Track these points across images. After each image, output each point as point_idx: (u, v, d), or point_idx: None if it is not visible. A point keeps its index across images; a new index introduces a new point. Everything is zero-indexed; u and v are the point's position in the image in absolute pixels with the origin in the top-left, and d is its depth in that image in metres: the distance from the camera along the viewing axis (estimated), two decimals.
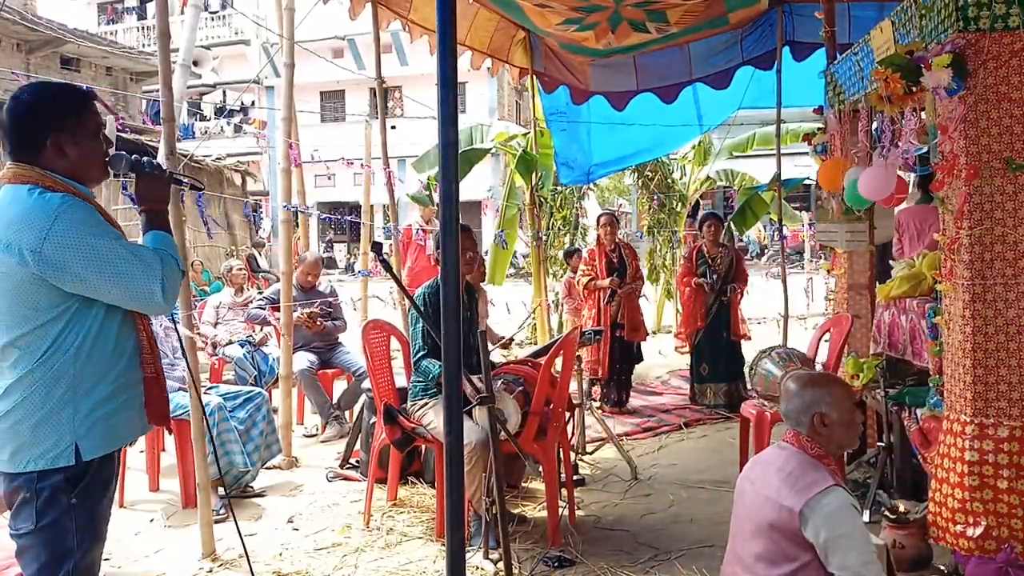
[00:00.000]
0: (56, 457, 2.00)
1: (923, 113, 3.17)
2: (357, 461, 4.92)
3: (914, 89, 2.98)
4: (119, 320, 2.11)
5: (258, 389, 4.90)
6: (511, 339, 4.76)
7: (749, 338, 7.18)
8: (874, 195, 3.58)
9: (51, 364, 2.00)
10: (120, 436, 2.14)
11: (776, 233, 6.96)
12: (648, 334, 7.23)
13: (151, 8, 23.82)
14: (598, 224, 6.81)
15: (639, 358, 6.90)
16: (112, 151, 2.24)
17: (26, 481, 2.00)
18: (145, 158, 2.27)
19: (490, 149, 9.81)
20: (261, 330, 6.24)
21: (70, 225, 1.97)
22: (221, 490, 4.38)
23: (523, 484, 4.57)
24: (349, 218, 8.89)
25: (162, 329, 4.55)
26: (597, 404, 6.41)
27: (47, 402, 2.00)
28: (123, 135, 9.77)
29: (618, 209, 18.44)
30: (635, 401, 6.69)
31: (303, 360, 5.78)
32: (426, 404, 3.94)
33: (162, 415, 2.25)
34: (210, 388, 4.63)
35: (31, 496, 1.99)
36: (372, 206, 7.99)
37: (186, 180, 2.49)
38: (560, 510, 3.93)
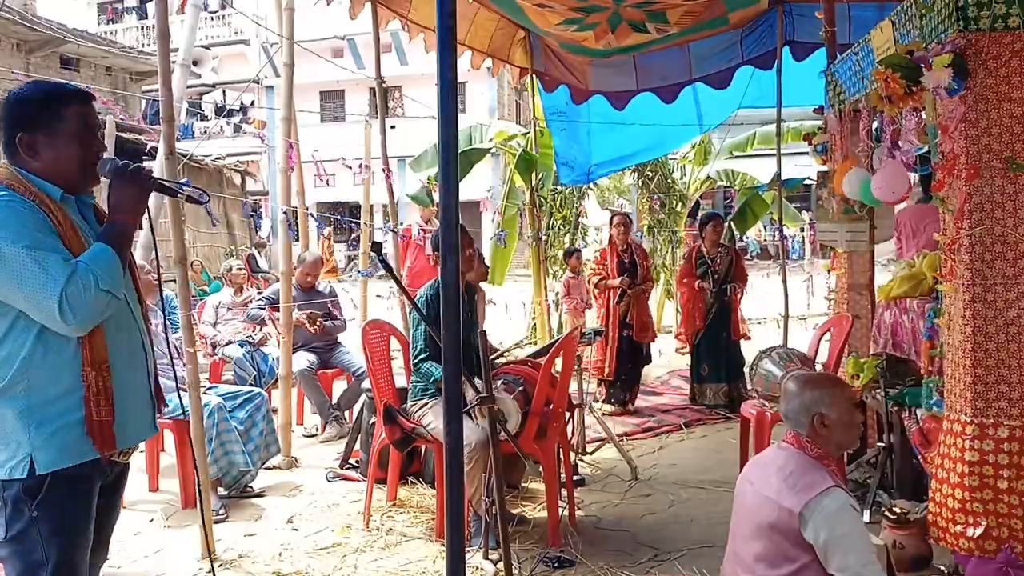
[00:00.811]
0: (12, 468, 1.93)
1: (923, 113, 3.17)
2: (357, 461, 4.92)
3: (914, 89, 2.98)
4: None
5: (258, 389, 4.90)
6: (501, 353, 4.76)
7: (749, 338, 7.18)
8: (889, 196, 3.54)
9: (2, 370, 1.92)
10: (83, 450, 1.98)
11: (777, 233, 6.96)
12: (656, 335, 7.24)
13: (151, 8, 23.82)
14: (611, 224, 6.80)
15: (648, 359, 6.90)
16: (105, 155, 2.10)
17: None
18: (133, 164, 2.08)
19: (490, 149, 9.80)
20: (260, 330, 6.24)
21: None
22: (221, 490, 4.39)
23: (523, 484, 4.57)
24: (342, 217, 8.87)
25: (160, 329, 4.55)
26: (600, 404, 6.41)
27: (3, 410, 1.93)
28: (122, 135, 9.77)
29: (619, 208, 18.43)
30: (636, 401, 6.68)
31: (302, 360, 5.78)
32: (426, 404, 3.94)
33: (104, 439, 1.99)
34: (210, 388, 4.62)
35: (1, 505, 1.95)
36: (372, 206, 7.98)
37: (183, 191, 2.27)
38: (560, 510, 3.93)
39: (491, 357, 4.53)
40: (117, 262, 1.98)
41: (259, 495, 4.55)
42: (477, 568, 3.51)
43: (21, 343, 1.92)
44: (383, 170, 5.87)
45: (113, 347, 2.03)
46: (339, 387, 6.25)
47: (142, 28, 27.53)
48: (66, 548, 1.97)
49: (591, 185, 10.27)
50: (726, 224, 8.59)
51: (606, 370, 6.48)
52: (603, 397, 6.56)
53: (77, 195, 2.09)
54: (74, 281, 1.87)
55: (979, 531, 2.82)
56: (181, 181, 2.33)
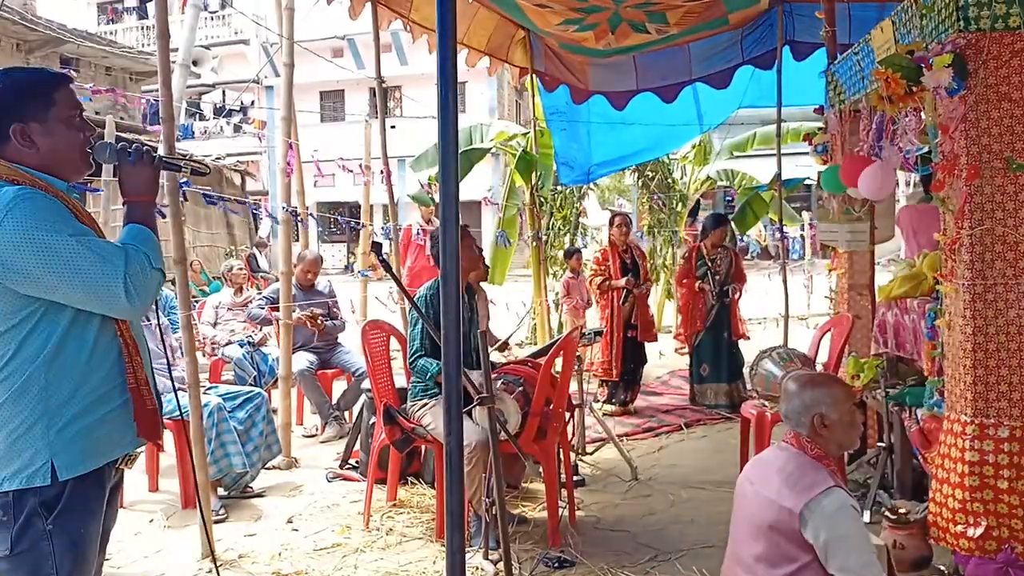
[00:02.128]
0: (31, 476, 1.83)
1: (923, 113, 3.17)
2: (357, 461, 4.92)
3: (915, 89, 2.98)
4: (97, 325, 1.91)
5: (258, 389, 4.90)
6: (506, 342, 4.76)
7: (748, 338, 7.18)
8: (874, 194, 3.58)
9: (18, 373, 1.83)
10: (102, 452, 1.93)
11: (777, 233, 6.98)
12: (657, 335, 7.26)
13: (151, 8, 23.82)
14: (612, 224, 6.78)
15: (646, 359, 6.91)
16: (97, 139, 2.04)
17: (1, 503, 1.84)
18: (134, 145, 2.03)
19: (490, 149, 9.81)
20: (261, 330, 6.24)
21: (21, 220, 1.78)
22: (221, 490, 4.39)
23: (523, 484, 4.56)
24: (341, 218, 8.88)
25: (160, 329, 4.54)
26: (601, 404, 6.41)
27: (17, 415, 1.84)
28: (122, 135, 9.76)
29: (619, 208, 18.47)
30: (636, 401, 6.69)
31: (302, 360, 5.78)
32: (426, 404, 3.94)
33: (151, 429, 2.01)
34: (209, 388, 4.62)
35: (7, 519, 1.83)
36: (372, 206, 7.99)
37: (185, 165, 2.23)
38: (560, 510, 3.92)
39: (496, 346, 4.55)
40: (157, 240, 1.97)
41: (259, 495, 4.55)
42: (477, 568, 3.51)
43: (41, 344, 1.85)
44: (382, 171, 5.87)
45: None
46: (339, 387, 6.25)
47: (142, 28, 27.54)
48: (79, 562, 1.89)
49: (591, 185, 10.27)
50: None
51: (613, 372, 6.46)
52: (604, 397, 6.56)
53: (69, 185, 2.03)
54: (132, 262, 1.84)
55: (979, 531, 2.82)
56: (181, 181, 2.26)
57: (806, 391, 2.36)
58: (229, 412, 4.41)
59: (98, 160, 2.02)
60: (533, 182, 8.12)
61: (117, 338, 1.95)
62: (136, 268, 1.85)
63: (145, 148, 2.03)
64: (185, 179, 3.60)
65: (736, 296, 6.66)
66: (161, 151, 2.30)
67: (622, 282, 6.44)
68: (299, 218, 5.52)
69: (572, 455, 4.69)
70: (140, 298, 1.86)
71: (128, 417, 1.97)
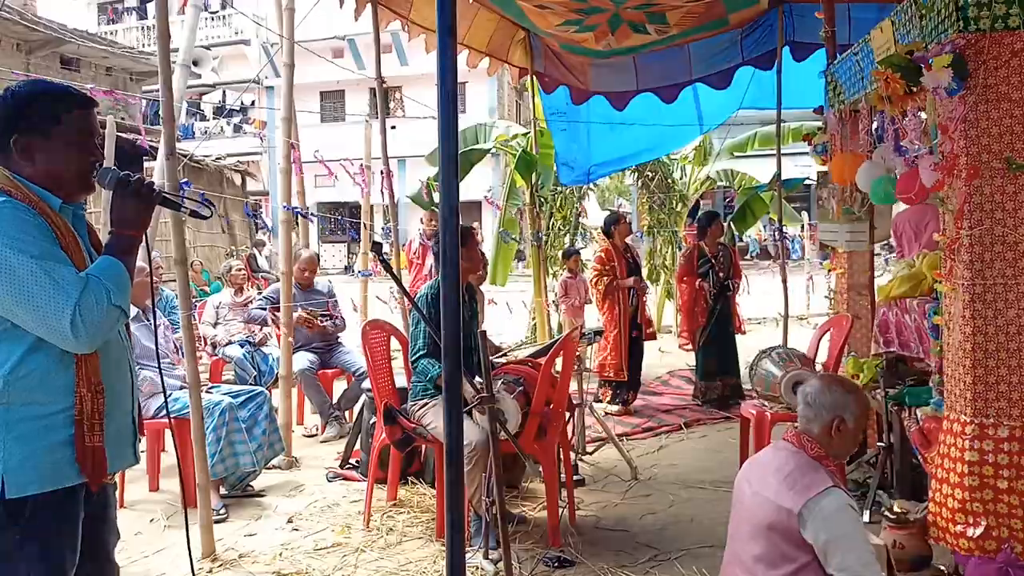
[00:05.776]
0: None
1: (923, 113, 3.17)
2: (357, 461, 4.92)
3: (914, 89, 2.98)
4: (58, 348, 1.85)
5: (260, 388, 4.91)
6: (503, 352, 4.75)
7: (744, 333, 7.22)
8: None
9: None
10: (64, 475, 1.86)
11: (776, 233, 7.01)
12: (656, 333, 7.32)
13: (151, 8, 23.82)
14: (617, 223, 6.75)
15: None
16: (104, 164, 2.01)
17: None
18: (137, 176, 1.98)
19: (490, 149, 9.81)
20: (261, 330, 6.24)
21: None
22: (223, 489, 4.39)
23: (523, 484, 4.57)
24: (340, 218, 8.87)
25: (162, 329, 4.55)
26: (604, 404, 6.41)
27: None
28: (122, 135, 9.76)
29: (619, 208, 18.47)
30: (636, 401, 6.69)
31: (303, 360, 5.78)
32: (426, 404, 3.94)
33: (94, 469, 1.89)
34: (211, 388, 4.63)
35: None
36: (372, 206, 7.99)
37: (185, 206, 2.19)
38: (560, 510, 3.93)
39: (495, 356, 4.56)
40: (127, 276, 1.91)
41: (260, 495, 4.56)
42: (477, 568, 3.51)
43: (5, 357, 1.81)
44: (382, 171, 5.87)
45: (105, 366, 1.93)
46: (339, 387, 6.25)
47: (142, 28, 27.55)
48: (53, 570, 1.87)
49: (591, 185, 10.28)
50: (725, 224, 8.62)
51: (625, 373, 6.44)
52: (606, 398, 6.56)
53: (71, 204, 2.00)
54: (87, 295, 1.78)
55: (979, 531, 2.82)
56: (181, 181, 2.24)
57: (836, 390, 2.37)
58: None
59: (100, 185, 1.99)
60: (533, 182, 8.13)
61: (73, 366, 1.87)
62: (91, 302, 1.78)
63: (147, 182, 1.99)
64: (186, 180, 3.58)
65: (736, 291, 6.73)
66: (157, 173, 2.26)
67: (631, 281, 6.45)
68: (299, 219, 5.51)
69: (572, 455, 4.69)
70: (87, 332, 1.78)
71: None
